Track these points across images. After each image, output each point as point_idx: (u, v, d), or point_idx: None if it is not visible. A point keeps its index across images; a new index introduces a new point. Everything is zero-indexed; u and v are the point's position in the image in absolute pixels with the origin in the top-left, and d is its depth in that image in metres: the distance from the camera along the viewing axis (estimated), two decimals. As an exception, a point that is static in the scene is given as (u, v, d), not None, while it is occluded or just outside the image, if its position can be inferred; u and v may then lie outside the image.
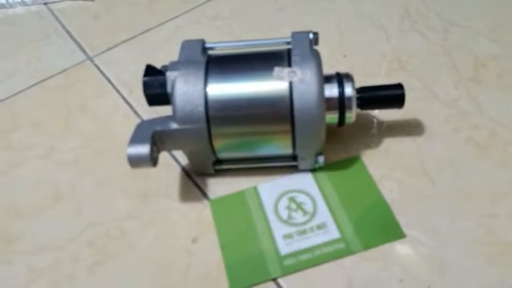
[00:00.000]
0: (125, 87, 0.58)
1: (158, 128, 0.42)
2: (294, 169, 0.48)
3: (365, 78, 0.55)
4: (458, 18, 0.61)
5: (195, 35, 0.48)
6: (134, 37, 0.64)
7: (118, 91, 0.57)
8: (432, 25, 0.61)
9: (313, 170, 0.48)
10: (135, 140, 0.40)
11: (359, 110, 0.46)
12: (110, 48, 0.63)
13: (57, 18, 0.68)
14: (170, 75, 0.42)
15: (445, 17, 0.61)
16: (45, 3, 0.70)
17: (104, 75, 0.60)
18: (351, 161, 0.48)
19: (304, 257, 0.42)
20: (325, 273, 0.41)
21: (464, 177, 0.46)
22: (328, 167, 0.48)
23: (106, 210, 0.47)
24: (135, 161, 0.40)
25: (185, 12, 0.66)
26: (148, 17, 0.66)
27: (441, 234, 0.42)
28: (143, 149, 0.40)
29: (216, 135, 0.43)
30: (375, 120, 0.51)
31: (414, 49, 0.58)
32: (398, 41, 0.59)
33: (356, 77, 0.54)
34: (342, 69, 0.46)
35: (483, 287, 0.39)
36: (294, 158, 0.46)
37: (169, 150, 0.46)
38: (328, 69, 0.46)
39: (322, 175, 0.47)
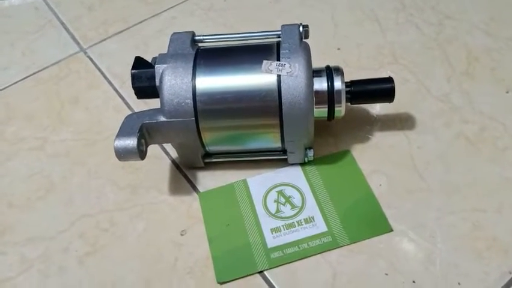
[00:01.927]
0: (118, 79, 0.58)
1: (146, 121, 0.42)
2: (284, 162, 0.48)
3: (359, 72, 0.55)
4: (453, 11, 0.60)
5: (188, 26, 0.48)
6: (127, 28, 0.64)
7: (110, 83, 0.58)
8: (428, 18, 0.60)
9: (303, 164, 0.48)
10: (122, 133, 0.41)
11: (349, 104, 0.46)
12: (104, 40, 0.63)
13: (52, 10, 0.68)
14: (158, 68, 0.42)
15: (440, 10, 0.61)
16: (40, -6, 0.70)
17: (96, 66, 0.60)
18: (341, 155, 0.48)
19: (291, 250, 0.42)
20: (311, 266, 0.41)
21: (453, 171, 0.46)
22: (318, 160, 0.48)
23: (97, 202, 0.47)
24: (122, 154, 0.40)
25: (180, 3, 0.66)
26: (142, 9, 0.66)
27: (428, 229, 0.42)
28: (131, 142, 0.40)
29: (205, 129, 0.43)
30: (366, 114, 0.51)
31: (409, 42, 0.58)
32: (393, 34, 0.59)
33: (349, 70, 0.54)
34: (336, 62, 0.46)
35: (469, 281, 0.39)
36: (283, 151, 0.46)
37: (157, 143, 0.46)
38: (321, 62, 0.46)
39: (311, 169, 0.47)
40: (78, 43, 0.63)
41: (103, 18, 0.65)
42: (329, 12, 0.62)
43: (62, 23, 0.66)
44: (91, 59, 0.61)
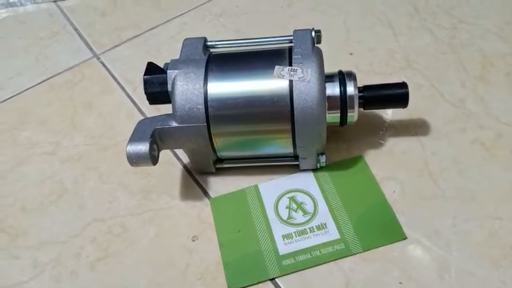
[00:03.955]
0: (130, 85, 0.58)
1: (158, 126, 0.42)
2: (296, 168, 0.47)
3: (372, 77, 0.54)
4: (467, 15, 0.60)
5: (200, 32, 0.48)
6: (140, 34, 0.64)
7: (123, 88, 0.58)
8: (441, 22, 0.59)
9: (315, 170, 0.47)
10: (135, 138, 0.41)
11: (361, 109, 0.46)
12: (117, 46, 0.63)
13: (66, 16, 0.69)
14: (170, 73, 0.42)
15: (454, 14, 0.60)
16: (54, 1, 0.71)
17: (109, 72, 0.60)
18: (354, 161, 0.48)
19: (303, 257, 0.42)
20: (323, 274, 0.41)
21: (469, 178, 0.45)
22: (330, 166, 0.47)
23: (109, 207, 0.47)
24: (134, 159, 0.40)
25: (191, 9, 0.66)
26: (154, 15, 0.66)
27: (443, 236, 0.41)
28: (143, 147, 0.40)
29: (216, 134, 0.43)
30: (379, 120, 0.51)
31: (422, 47, 0.57)
32: (406, 38, 0.58)
33: (362, 75, 0.53)
34: (348, 67, 0.46)
35: (485, 291, 0.38)
36: (295, 157, 0.46)
37: (169, 148, 0.46)
38: (334, 67, 0.45)
39: (324, 175, 0.47)
40: (91, 49, 0.64)
41: (116, 24, 0.66)
42: (341, 17, 0.62)
43: (76, 29, 0.67)
44: (104, 65, 0.61)
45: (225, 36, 0.60)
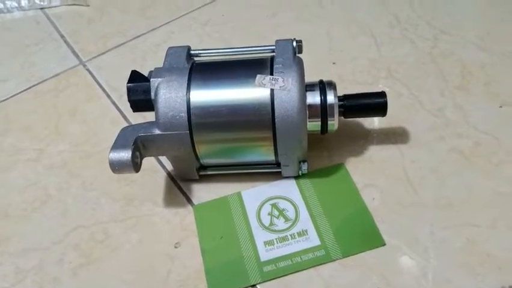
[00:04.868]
0: (116, 92, 0.58)
1: (141, 134, 0.42)
2: (278, 176, 0.48)
3: (354, 86, 0.55)
4: (448, 26, 0.61)
5: (186, 40, 0.49)
6: (126, 42, 0.64)
7: (108, 96, 0.58)
8: (422, 33, 0.61)
9: (297, 177, 0.48)
10: (117, 145, 0.41)
11: (343, 118, 0.47)
12: (103, 53, 0.63)
13: (52, 23, 0.69)
14: (154, 81, 0.43)
15: (435, 25, 0.61)
16: (41, 8, 0.71)
17: (95, 80, 0.60)
18: (335, 168, 0.48)
19: (283, 263, 0.42)
20: (304, 280, 0.41)
21: (447, 186, 0.46)
22: (312, 174, 0.48)
23: (92, 214, 0.48)
24: (117, 167, 0.40)
25: (178, 18, 0.67)
26: (140, 23, 0.67)
27: (421, 243, 0.42)
28: (125, 155, 0.40)
29: (199, 141, 0.43)
30: (360, 128, 0.51)
31: (403, 57, 0.58)
32: (387, 48, 0.59)
33: (344, 85, 0.55)
34: (331, 77, 0.46)
35: (461, 296, 0.39)
36: (278, 164, 0.47)
37: (152, 156, 0.47)
38: (317, 77, 0.46)
39: (305, 182, 0.48)
40: (77, 56, 0.64)
41: (102, 32, 0.66)
42: (324, 27, 0.63)
43: (62, 36, 0.67)
44: (90, 72, 0.62)
45: (210, 44, 0.60)
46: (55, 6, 0.71)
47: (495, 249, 0.41)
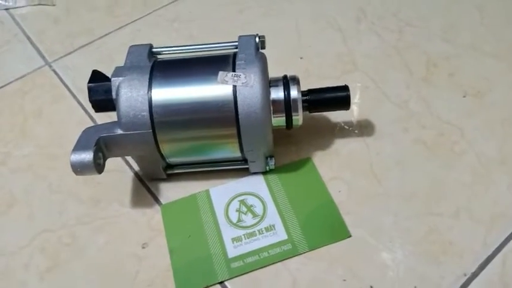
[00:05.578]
0: (82, 93, 0.58)
1: (103, 134, 0.42)
2: (247, 172, 0.48)
3: (321, 80, 0.55)
4: (414, 18, 0.62)
5: (153, 38, 0.49)
6: (93, 41, 0.64)
7: (74, 96, 0.57)
8: (388, 26, 0.61)
9: (265, 173, 0.48)
10: (79, 147, 0.41)
11: (307, 113, 0.47)
12: (69, 53, 0.63)
13: (18, 24, 0.68)
14: (115, 80, 0.42)
15: (401, 17, 0.62)
16: (6, 9, 0.70)
17: (61, 80, 0.60)
18: (302, 162, 0.49)
19: (251, 259, 0.42)
20: (271, 275, 0.41)
21: (411, 176, 0.46)
22: (279, 169, 0.48)
23: (58, 217, 0.47)
24: (79, 168, 0.40)
25: (145, 15, 0.66)
26: (108, 21, 0.66)
27: (385, 233, 0.43)
28: (87, 156, 0.40)
29: (163, 140, 0.43)
30: (327, 122, 0.52)
31: (370, 50, 0.59)
32: (354, 42, 0.60)
33: (312, 79, 0.55)
34: (298, 72, 0.46)
35: (425, 285, 0.40)
36: (245, 160, 0.47)
37: (116, 156, 0.46)
38: (284, 72, 0.46)
39: (273, 177, 0.48)
40: (43, 57, 0.63)
41: (68, 31, 0.65)
42: (292, 22, 0.63)
43: (28, 37, 0.66)
44: (56, 73, 0.61)
45: (178, 42, 0.60)
46: (21, 7, 0.70)
47: (457, 237, 0.42)
